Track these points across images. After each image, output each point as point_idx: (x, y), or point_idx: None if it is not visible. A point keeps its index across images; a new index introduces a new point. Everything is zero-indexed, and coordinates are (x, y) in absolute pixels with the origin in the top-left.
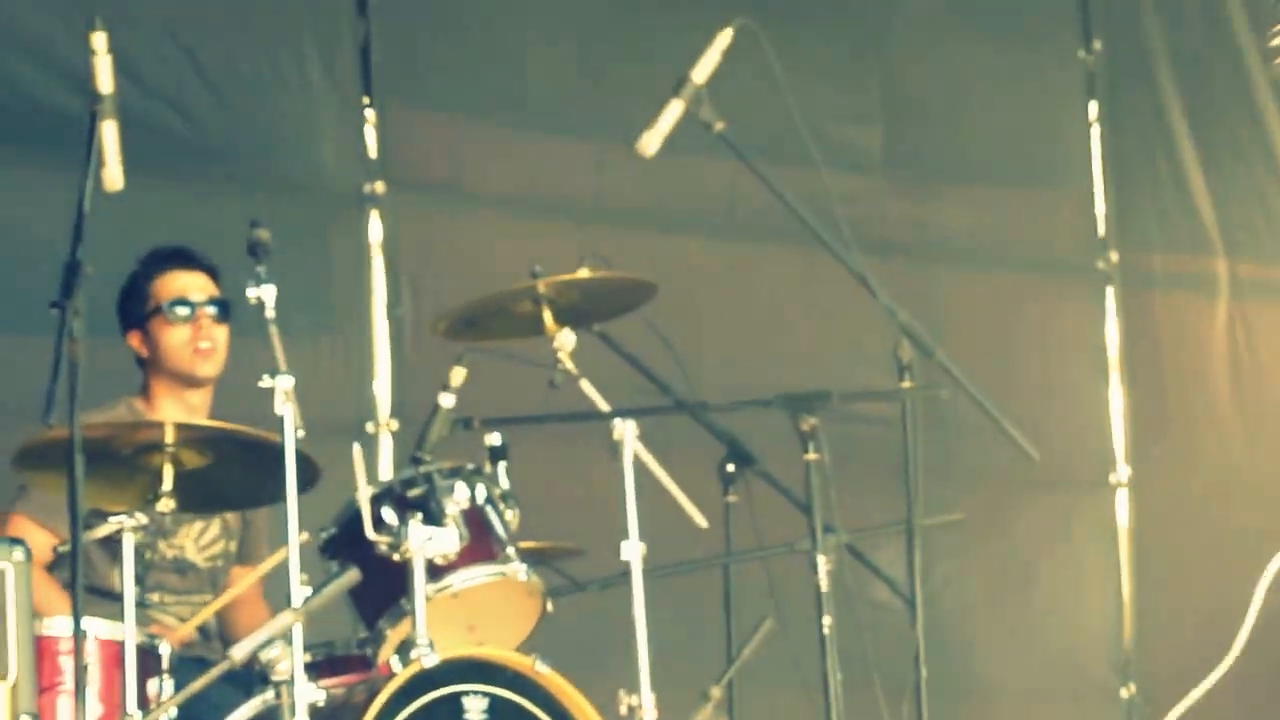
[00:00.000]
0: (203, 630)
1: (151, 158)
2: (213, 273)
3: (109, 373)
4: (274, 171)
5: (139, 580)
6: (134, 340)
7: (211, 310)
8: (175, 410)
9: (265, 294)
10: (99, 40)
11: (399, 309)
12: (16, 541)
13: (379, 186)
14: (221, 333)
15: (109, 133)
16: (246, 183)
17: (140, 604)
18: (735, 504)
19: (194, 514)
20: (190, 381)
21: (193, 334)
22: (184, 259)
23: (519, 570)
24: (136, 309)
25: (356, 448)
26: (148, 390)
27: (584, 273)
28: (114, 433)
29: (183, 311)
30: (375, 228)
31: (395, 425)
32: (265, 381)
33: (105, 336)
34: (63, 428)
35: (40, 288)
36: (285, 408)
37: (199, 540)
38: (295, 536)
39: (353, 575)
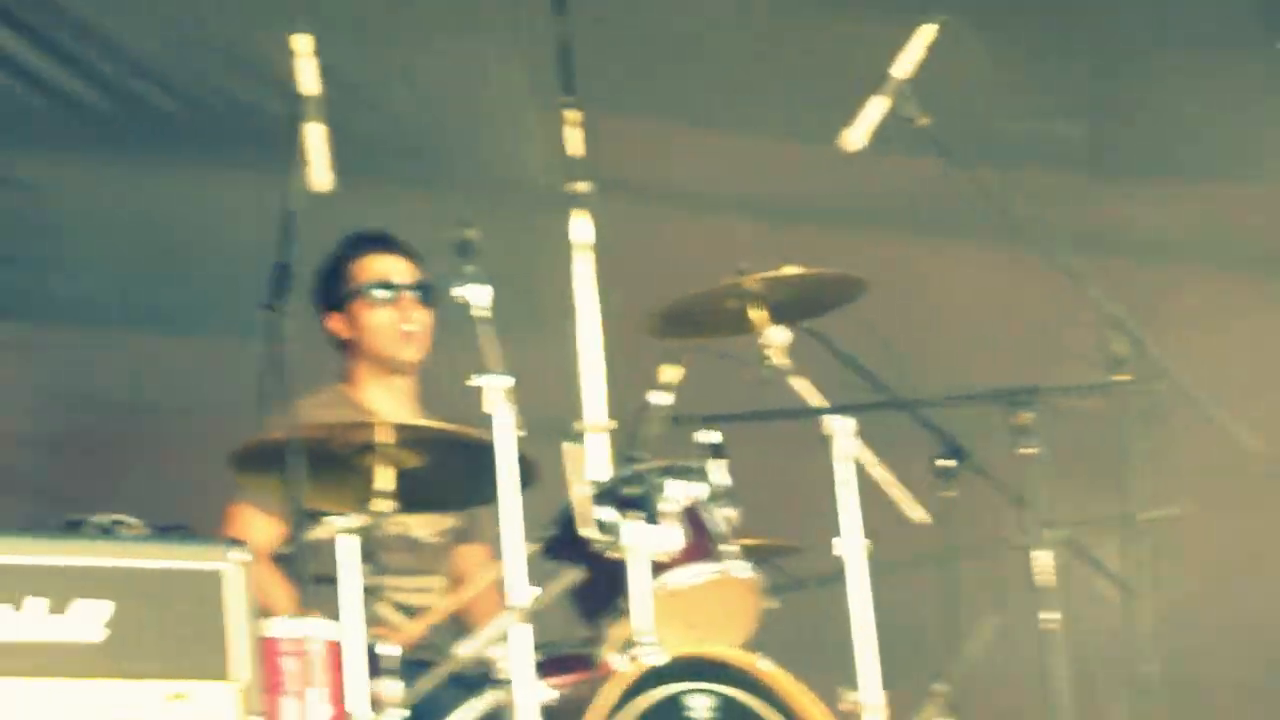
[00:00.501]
0: (431, 627)
1: (356, 160)
2: (414, 258)
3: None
4: (479, 172)
5: (369, 558)
6: (333, 323)
7: (415, 293)
8: (382, 396)
9: (474, 293)
10: (302, 43)
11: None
12: (237, 542)
13: (584, 186)
14: (425, 317)
15: (314, 134)
16: (451, 184)
17: (370, 591)
18: (951, 499)
19: (414, 512)
20: (394, 366)
21: (396, 317)
22: (386, 242)
23: (739, 567)
24: (336, 291)
25: (571, 447)
26: (351, 375)
27: (791, 269)
28: (330, 434)
29: (385, 294)
30: (581, 227)
31: (606, 424)
32: (477, 380)
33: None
34: (277, 429)
35: (248, 290)
36: (502, 407)
37: (425, 516)
38: (519, 536)
39: (575, 574)
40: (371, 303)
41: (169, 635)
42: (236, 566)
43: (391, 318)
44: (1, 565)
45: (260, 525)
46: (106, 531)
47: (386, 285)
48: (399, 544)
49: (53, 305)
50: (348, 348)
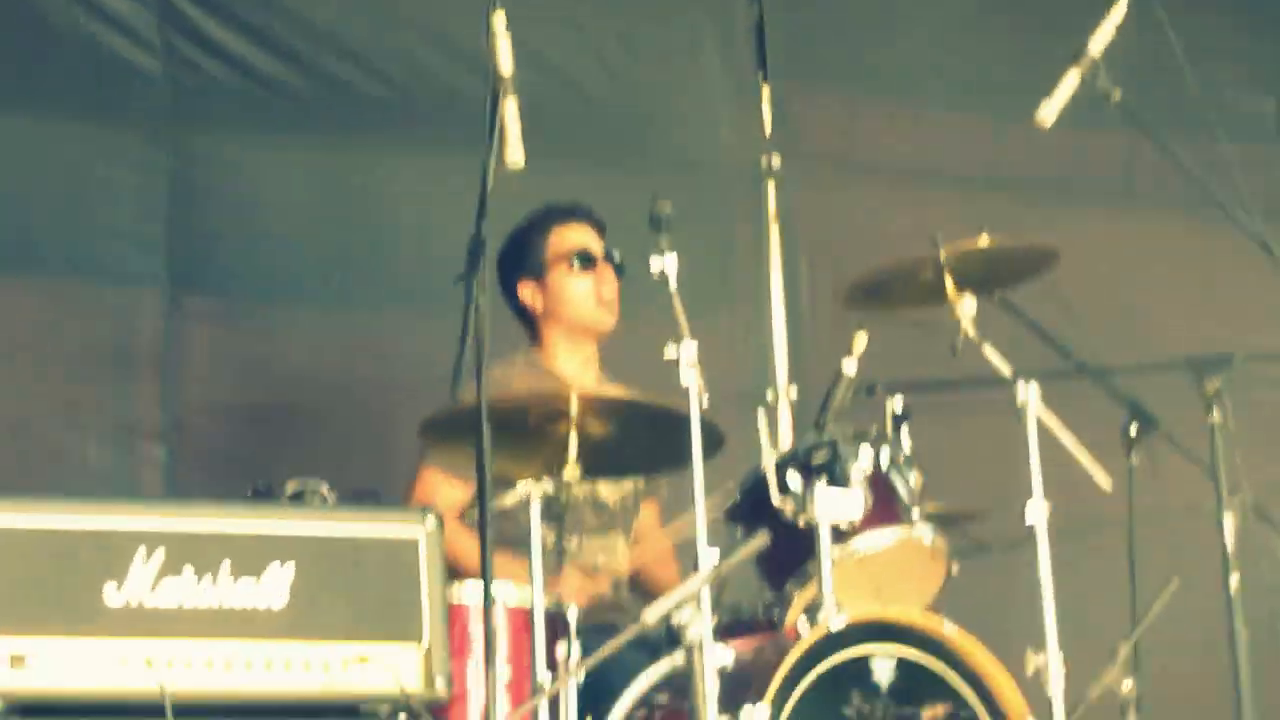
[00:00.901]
0: (613, 583)
1: (550, 138)
2: (603, 229)
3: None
4: (672, 148)
5: (557, 520)
6: (525, 291)
7: (610, 262)
8: (572, 363)
9: (668, 265)
10: (498, 20)
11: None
12: (428, 510)
13: (775, 160)
14: (616, 285)
15: (510, 111)
16: (644, 160)
17: (559, 552)
18: (1138, 466)
19: (600, 478)
20: (592, 333)
21: (594, 285)
22: (581, 213)
23: (924, 533)
24: (530, 259)
25: (761, 414)
26: (541, 341)
27: (985, 240)
28: (519, 403)
29: (585, 263)
30: (772, 201)
31: (794, 393)
32: (669, 351)
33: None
34: (469, 398)
35: (442, 264)
36: (690, 374)
37: (606, 486)
38: (703, 502)
39: (761, 539)
40: (570, 271)
41: (357, 600)
42: (425, 533)
43: (590, 286)
44: (197, 534)
45: (447, 488)
46: (297, 499)
47: (585, 254)
48: (585, 506)
49: (254, 280)
50: (539, 316)
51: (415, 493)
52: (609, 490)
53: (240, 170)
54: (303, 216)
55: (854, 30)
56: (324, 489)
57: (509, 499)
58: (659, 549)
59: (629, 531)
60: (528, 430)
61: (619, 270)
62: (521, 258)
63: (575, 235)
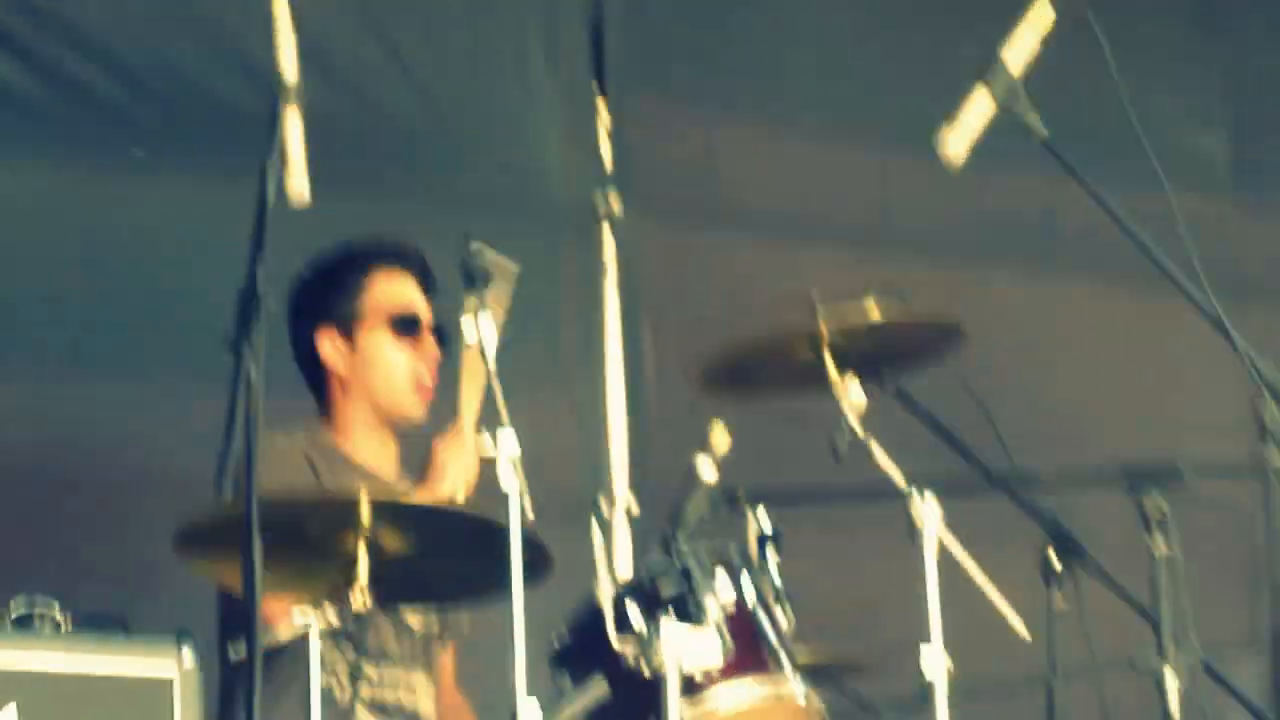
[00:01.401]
0: None
1: (342, 164)
2: (432, 290)
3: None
4: (488, 182)
5: (358, 646)
6: (325, 344)
7: (440, 337)
8: (370, 447)
9: (484, 329)
10: (280, 10)
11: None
12: (185, 635)
13: (614, 201)
14: (435, 366)
15: (293, 128)
16: (455, 196)
17: (354, 680)
18: (1061, 608)
19: (394, 607)
20: (396, 420)
21: (414, 361)
22: (416, 262)
23: (795, 688)
24: (340, 305)
25: (594, 528)
26: (333, 415)
27: (874, 309)
28: (296, 508)
29: (409, 330)
30: (609, 251)
31: (634, 503)
32: (485, 445)
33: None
34: (236, 504)
35: (209, 320)
36: (510, 475)
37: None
38: (521, 644)
39: (598, 689)
40: (388, 337)
41: None
42: (183, 673)
43: (408, 362)
44: None
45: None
46: (21, 624)
47: (411, 319)
48: (387, 629)
49: None
50: (336, 380)
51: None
52: (415, 615)
53: None
54: (28, 252)
55: (715, 41)
56: (55, 611)
57: (283, 632)
58: (454, 705)
59: (431, 669)
60: (307, 540)
61: (443, 347)
62: (327, 299)
63: (402, 289)
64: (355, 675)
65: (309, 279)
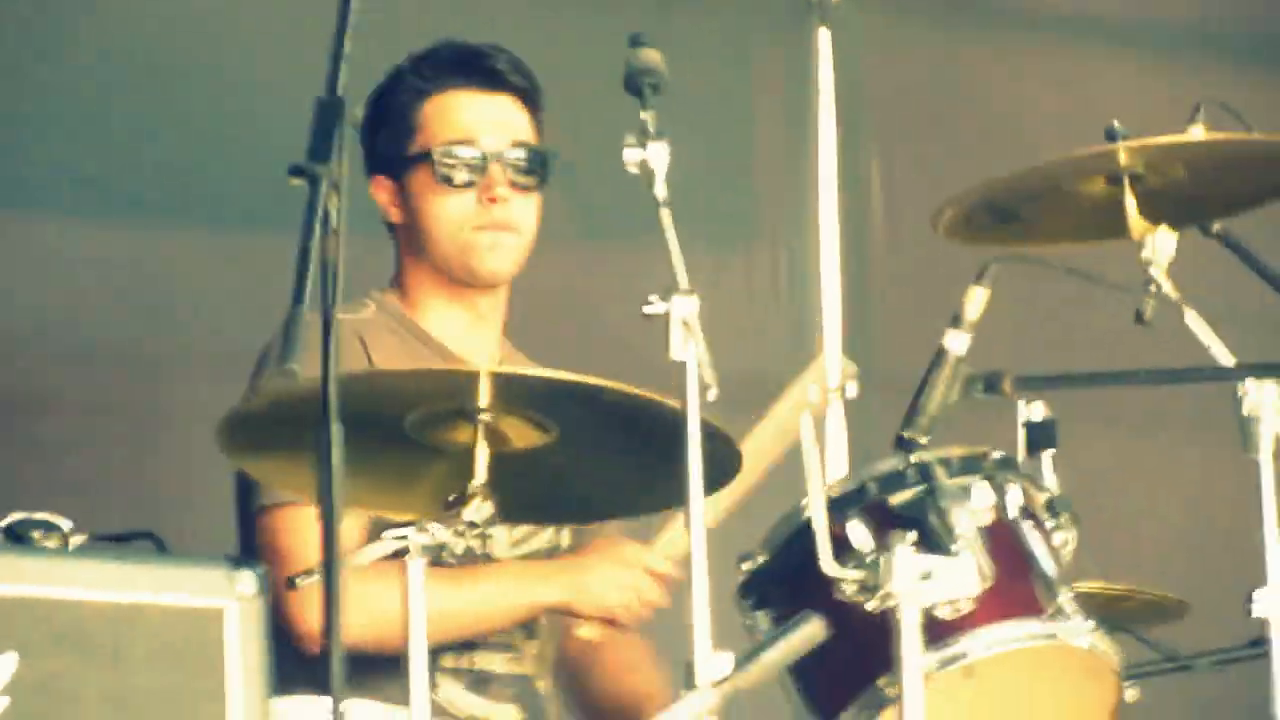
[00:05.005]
0: (522, 695)
1: None
2: (526, 98)
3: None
4: None
5: None
6: (379, 191)
7: (516, 160)
8: (454, 323)
9: (654, 158)
10: None
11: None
12: (245, 561)
13: None
14: (528, 206)
15: None
16: None
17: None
18: None
19: (523, 521)
20: (468, 279)
21: (479, 202)
22: (482, 71)
23: (1077, 631)
24: (390, 142)
25: (805, 421)
26: (404, 281)
27: (1201, 130)
28: (392, 389)
29: (465, 162)
30: (825, 55)
31: (855, 386)
32: (652, 306)
33: None
34: (301, 381)
35: (267, 149)
36: (687, 346)
37: (514, 531)
38: (701, 573)
39: (810, 631)
40: (441, 175)
41: (118, 712)
42: (241, 602)
43: (469, 204)
44: None
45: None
46: (20, 542)
47: (468, 147)
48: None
49: None
50: (400, 237)
51: (274, 546)
52: (509, 548)
53: None
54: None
55: None
56: (65, 527)
57: (372, 552)
58: (627, 642)
59: (539, 626)
60: (404, 435)
61: (534, 177)
62: (375, 140)
63: (460, 111)
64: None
65: (367, 111)
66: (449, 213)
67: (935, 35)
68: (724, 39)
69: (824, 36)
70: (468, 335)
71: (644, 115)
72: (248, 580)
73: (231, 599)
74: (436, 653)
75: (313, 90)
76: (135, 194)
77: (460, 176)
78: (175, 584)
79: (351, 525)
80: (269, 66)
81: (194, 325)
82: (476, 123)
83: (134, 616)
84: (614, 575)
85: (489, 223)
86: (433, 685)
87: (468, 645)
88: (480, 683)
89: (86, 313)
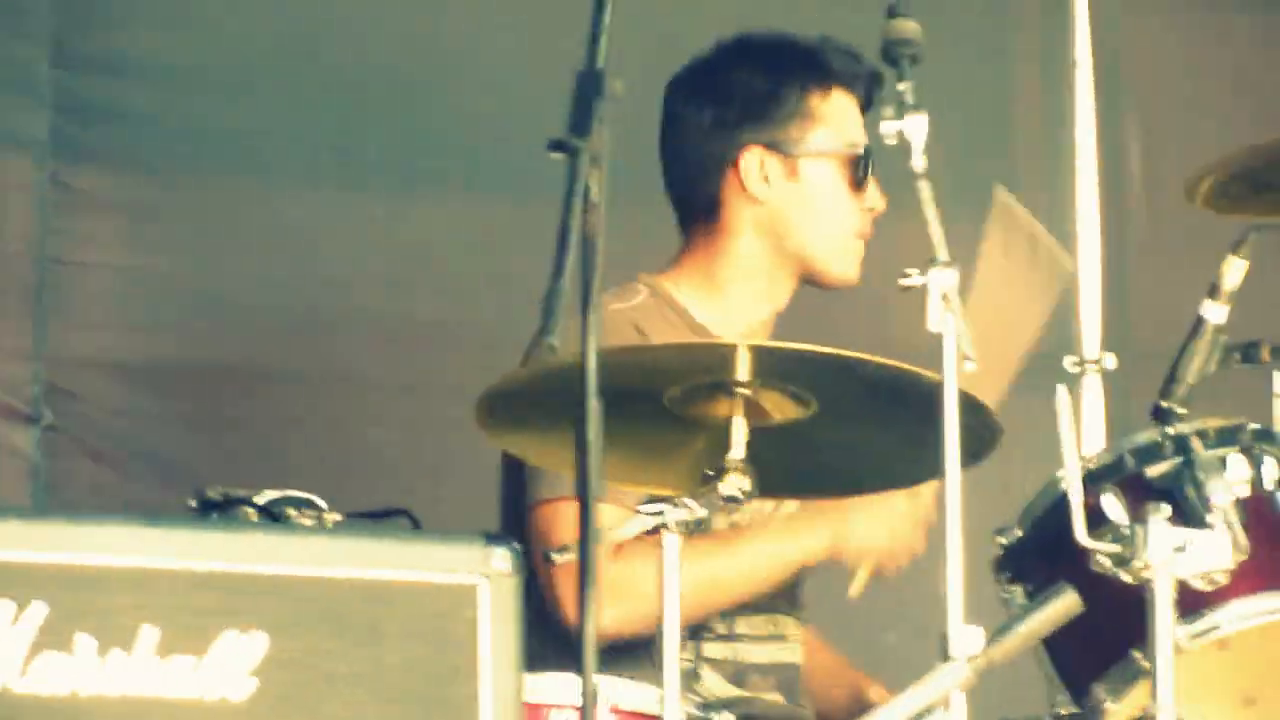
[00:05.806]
0: (786, 683)
1: None
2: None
3: None
4: None
5: None
6: (749, 159)
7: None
8: (746, 318)
9: (912, 130)
10: None
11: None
12: (499, 538)
13: None
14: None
15: None
16: None
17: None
18: None
19: (779, 496)
20: (819, 279)
21: (862, 210)
22: (864, 82)
23: None
24: (786, 120)
25: (1059, 392)
26: (700, 259)
27: None
28: (657, 364)
29: (870, 170)
30: (1082, 17)
31: (1113, 358)
32: (910, 279)
33: None
34: (569, 353)
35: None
36: (946, 319)
37: (779, 508)
38: (956, 545)
39: (1065, 604)
40: (857, 177)
41: (372, 692)
42: (494, 579)
43: (856, 211)
44: (96, 576)
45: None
46: (274, 520)
47: (867, 164)
48: None
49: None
50: (731, 208)
51: (550, 539)
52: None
53: None
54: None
55: None
56: (319, 505)
57: (627, 529)
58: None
59: (798, 604)
60: (665, 412)
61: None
62: (767, 107)
63: (854, 116)
64: (696, 628)
65: (741, 73)
66: (844, 213)
67: (1194, 2)
68: (982, 8)
69: (1081, 5)
70: (748, 326)
71: (901, 86)
72: (502, 557)
73: (485, 576)
74: (702, 639)
75: (572, 63)
76: (393, 165)
77: (866, 182)
78: (429, 561)
79: (618, 516)
80: (530, 39)
81: (451, 300)
82: (860, 132)
83: (388, 594)
84: (877, 517)
85: (865, 233)
86: (695, 676)
87: (733, 636)
88: (743, 674)
89: (342, 286)
